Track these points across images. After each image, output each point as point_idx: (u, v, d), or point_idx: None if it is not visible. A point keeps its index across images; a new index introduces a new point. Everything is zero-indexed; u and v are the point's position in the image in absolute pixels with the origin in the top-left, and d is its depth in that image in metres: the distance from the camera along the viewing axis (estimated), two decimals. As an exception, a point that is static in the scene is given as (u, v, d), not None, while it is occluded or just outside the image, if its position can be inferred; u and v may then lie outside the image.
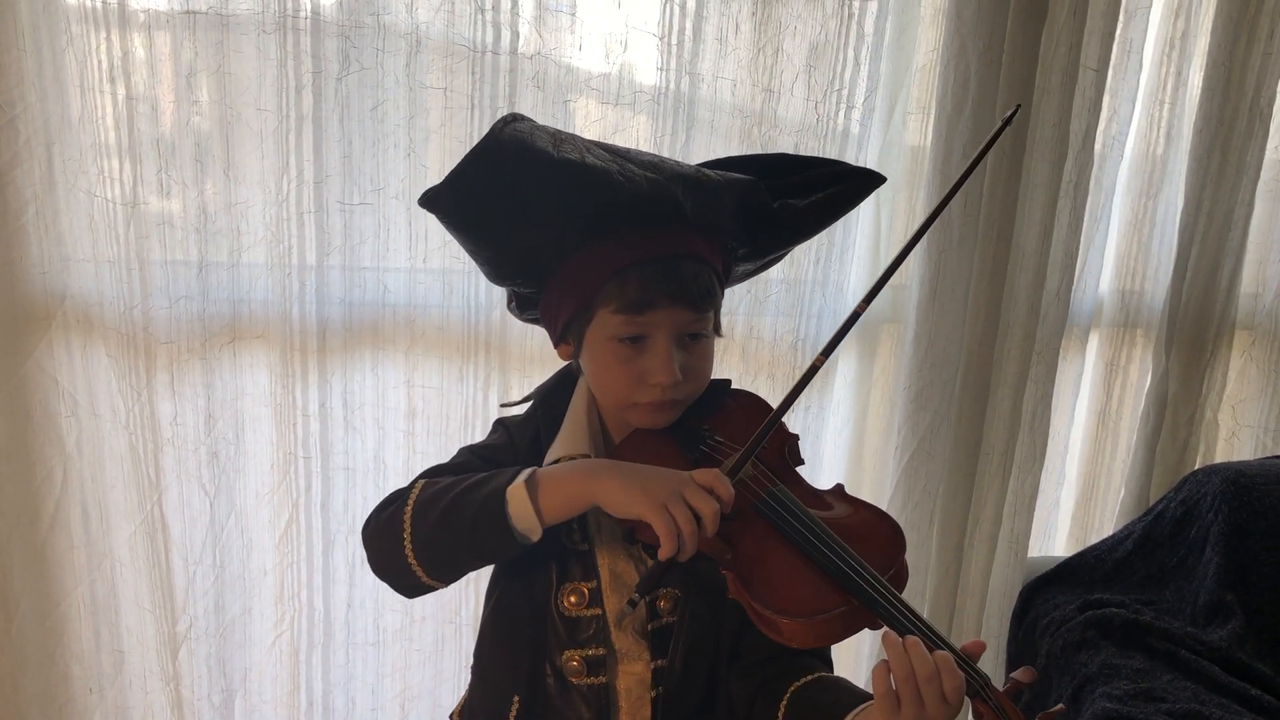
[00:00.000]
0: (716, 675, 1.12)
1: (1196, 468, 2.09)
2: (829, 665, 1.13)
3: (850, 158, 1.82)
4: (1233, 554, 1.81)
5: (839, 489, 1.10)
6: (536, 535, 0.99)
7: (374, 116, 1.62)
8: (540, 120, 1.04)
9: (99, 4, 1.49)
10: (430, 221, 1.65)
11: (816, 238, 1.58)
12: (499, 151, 0.96)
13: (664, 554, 0.92)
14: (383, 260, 1.68)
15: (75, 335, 1.61)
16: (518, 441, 1.14)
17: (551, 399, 1.16)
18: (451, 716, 1.25)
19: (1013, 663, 1.99)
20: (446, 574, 1.04)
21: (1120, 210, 2.11)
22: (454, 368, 1.76)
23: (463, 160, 0.97)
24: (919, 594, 2.01)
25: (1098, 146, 1.94)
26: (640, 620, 1.10)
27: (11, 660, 1.67)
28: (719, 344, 1.15)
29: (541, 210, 1.01)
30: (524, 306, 1.17)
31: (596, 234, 1.03)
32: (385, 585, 1.79)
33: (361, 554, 1.75)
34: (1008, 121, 1.15)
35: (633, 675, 1.11)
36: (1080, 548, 2.08)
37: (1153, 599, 1.87)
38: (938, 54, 1.83)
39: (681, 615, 1.10)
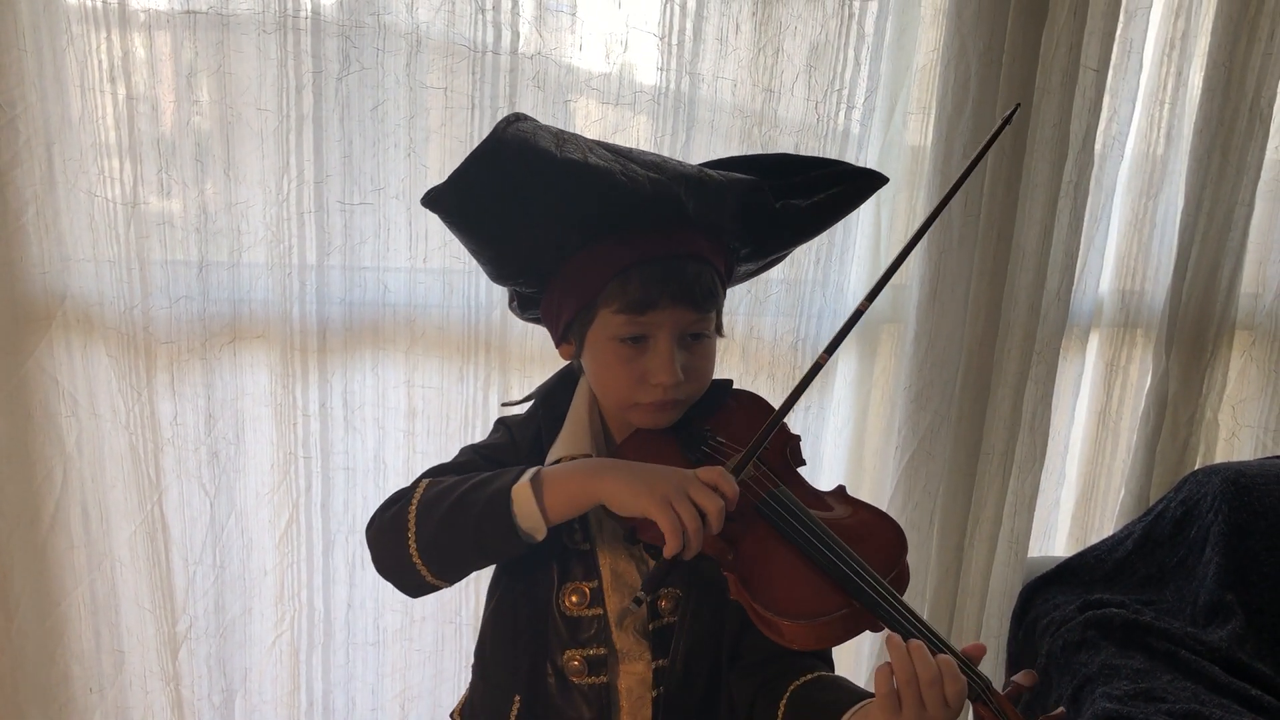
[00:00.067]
0: (717, 675, 1.12)
1: (1196, 468, 2.09)
2: (830, 666, 1.12)
3: (850, 158, 1.82)
4: (1233, 554, 1.81)
5: (840, 490, 1.10)
6: (541, 534, 0.99)
7: (374, 116, 1.62)
8: (541, 120, 1.04)
9: (99, 4, 1.49)
10: (430, 221, 1.65)
11: (817, 238, 1.58)
12: (502, 151, 0.96)
13: (669, 551, 0.92)
14: (383, 260, 1.68)
15: (75, 335, 1.61)
16: (519, 441, 1.14)
17: (553, 399, 1.16)
18: (452, 715, 1.25)
19: (1013, 662, 1.99)
20: (451, 573, 1.04)
21: (1120, 210, 2.11)
22: (454, 367, 1.76)
23: (466, 160, 0.97)
24: (919, 594, 2.01)
25: (1098, 147, 1.94)
26: (641, 620, 1.10)
27: (11, 660, 1.67)
28: (719, 344, 1.15)
29: (544, 210, 1.01)
30: (526, 306, 1.17)
31: (599, 234, 1.03)
32: (385, 585, 1.79)
33: (361, 554, 1.78)
34: (1007, 120, 1.15)
35: (634, 675, 1.11)
36: (1080, 548, 2.08)
37: (1153, 599, 1.87)
38: (938, 54, 1.83)
39: (683, 615, 1.10)
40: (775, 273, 1.80)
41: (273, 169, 1.60)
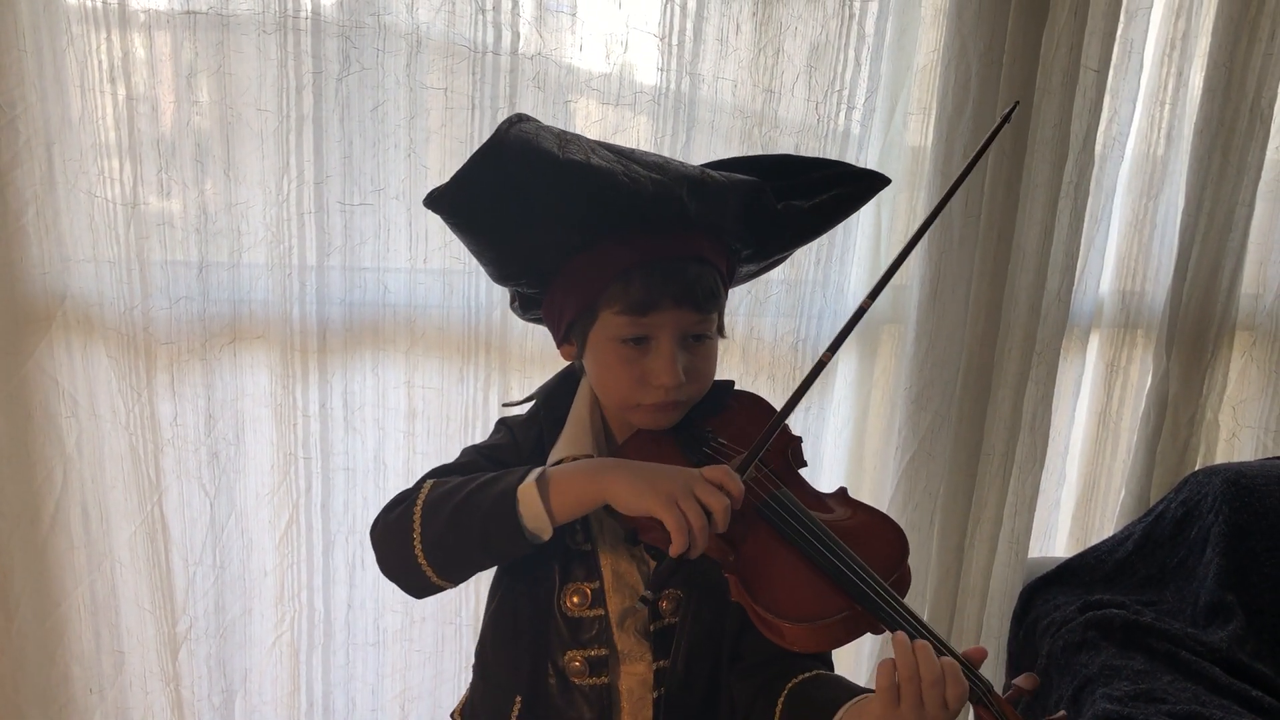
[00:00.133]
0: (718, 676, 1.12)
1: (1197, 468, 2.09)
2: (830, 669, 1.12)
3: (851, 158, 1.82)
4: (1233, 555, 1.81)
5: (842, 492, 1.10)
6: (547, 534, 0.99)
7: (374, 117, 1.61)
8: (541, 121, 1.04)
9: (99, 4, 1.49)
10: (430, 222, 1.65)
11: (817, 239, 1.58)
12: (504, 152, 0.96)
13: (675, 550, 0.92)
14: (383, 261, 1.68)
15: (75, 336, 1.60)
16: (521, 441, 1.14)
17: (554, 399, 1.16)
18: (453, 716, 1.25)
19: (1013, 663, 1.99)
20: (456, 574, 1.04)
21: (1121, 211, 2.11)
22: (454, 368, 1.75)
23: (468, 161, 0.97)
24: (919, 595, 2.01)
25: (1098, 147, 1.94)
26: (643, 621, 1.10)
27: (12, 660, 1.67)
28: (720, 345, 1.15)
29: (546, 211, 1.01)
30: (527, 306, 1.17)
31: (601, 234, 1.03)
32: (385, 586, 1.80)
33: (361, 554, 1.78)
34: (1006, 118, 1.15)
35: (635, 676, 1.11)
36: (1081, 548, 2.08)
37: (1153, 600, 1.87)
38: (938, 54, 1.83)
39: (684, 616, 1.10)
40: (775, 273, 1.79)
41: (273, 169, 1.60)
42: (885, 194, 1.22)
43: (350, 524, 1.77)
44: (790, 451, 1.12)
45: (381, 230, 1.66)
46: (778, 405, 1.15)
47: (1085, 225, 1.97)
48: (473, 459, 1.13)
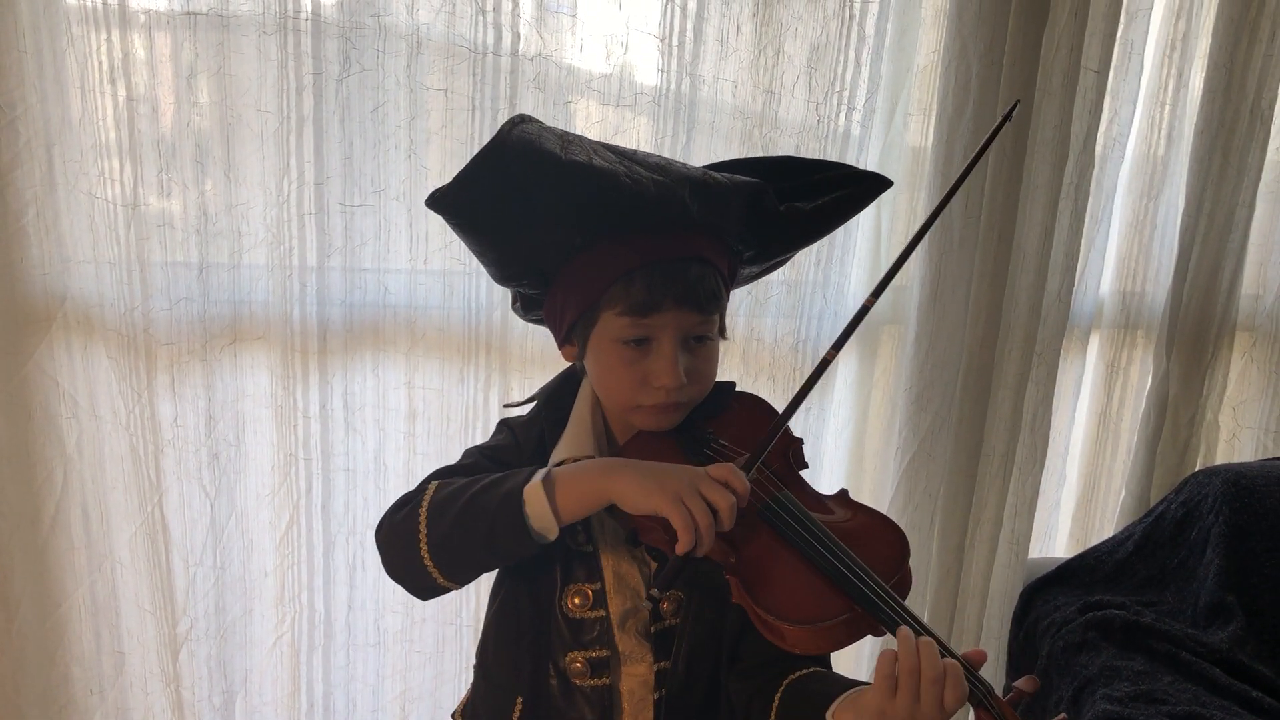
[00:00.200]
0: (719, 678, 1.12)
1: (1197, 469, 2.09)
2: (828, 669, 1.12)
3: (851, 159, 1.82)
4: (1233, 555, 1.81)
5: (843, 494, 1.10)
6: (554, 534, 0.99)
7: (375, 118, 1.61)
8: (542, 122, 1.04)
9: (99, 5, 1.49)
10: (431, 223, 1.65)
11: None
12: (506, 153, 0.96)
13: (682, 547, 0.92)
14: (383, 261, 1.68)
15: (76, 337, 1.60)
16: (523, 442, 1.14)
17: (555, 400, 1.16)
18: (453, 716, 1.25)
19: (1013, 664, 1.99)
20: (462, 575, 1.04)
21: (1121, 212, 2.11)
22: (454, 369, 1.75)
23: (470, 161, 0.97)
24: (919, 596, 2.01)
25: (1099, 148, 1.94)
26: (644, 622, 1.10)
27: (12, 661, 1.67)
28: (720, 346, 1.15)
29: (548, 212, 1.01)
30: (529, 307, 1.17)
31: (602, 235, 1.03)
32: (385, 586, 1.81)
33: (362, 555, 1.78)
34: (1007, 117, 1.15)
35: (636, 677, 1.11)
36: (1081, 549, 2.09)
37: (1153, 600, 1.87)
38: (939, 55, 1.83)
39: (685, 618, 1.10)
40: (776, 274, 1.78)
41: (273, 170, 1.60)
42: (886, 195, 1.22)
43: (351, 525, 1.77)
44: (791, 453, 1.12)
45: (382, 231, 1.66)
46: (778, 406, 1.15)
47: (1085, 226, 1.97)
48: (476, 460, 1.13)
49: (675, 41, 1.69)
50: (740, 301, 1.84)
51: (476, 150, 0.98)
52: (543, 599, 1.10)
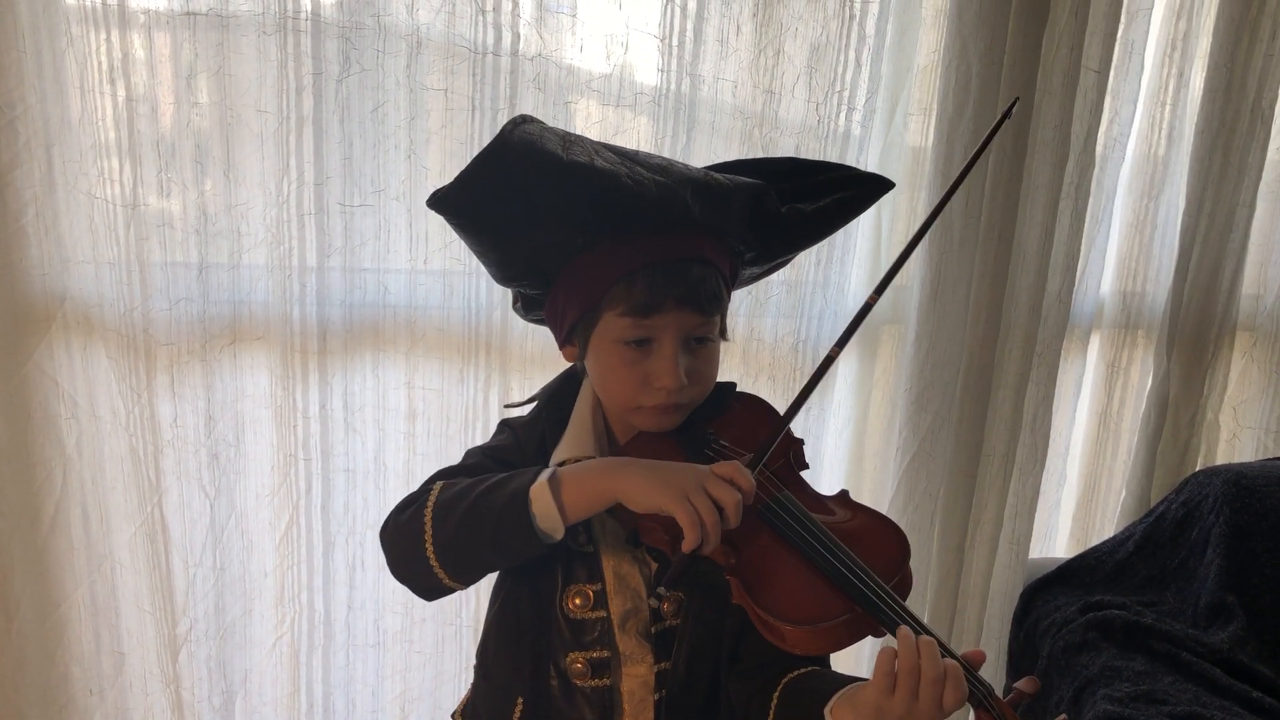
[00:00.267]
0: (719, 678, 1.12)
1: (1197, 469, 2.09)
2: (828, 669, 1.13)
3: (851, 159, 1.82)
4: (1234, 555, 1.81)
5: (844, 495, 1.10)
6: (560, 534, 0.99)
7: (374, 118, 1.61)
8: (542, 122, 1.04)
9: (99, 5, 1.48)
10: (431, 223, 1.65)
11: (818, 240, 1.58)
12: (508, 153, 0.96)
13: (688, 546, 0.92)
14: (383, 262, 1.68)
15: (75, 337, 1.60)
16: (524, 443, 1.14)
17: (556, 400, 1.16)
18: (453, 716, 1.25)
19: (1013, 664, 1.99)
20: (467, 574, 1.04)
21: (1121, 212, 2.11)
22: (454, 369, 1.75)
23: (472, 162, 0.97)
24: (919, 596, 2.01)
25: (1099, 148, 1.94)
26: (644, 623, 1.10)
27: (11, 661, 1.67)
28: (721, 347, 1.15)
29: (549, 212, 1.01)
30: (530, 307, 1.17)
31: (604, 236, 1.03)
32: (385, 587, 1.81)
33: (361, 556, 1.78)
34: (1007, 114, 1.15)
35: (636, 678, 1.11)
36: (1081, 549, 2.09)
37: (1154, 601, 1.87)
38: (939, 55, 1.83)
39: (685, 618, 1.10)
40: (776, 274, 1.79)
41: (273, 170, 1.60)
42: (886, 195, 1.23)
43: (350, 525, 1.77)
44: (792, 454, 1.12)
45: (382, 231, 1.66)
46: (779, 407, 1.15)
47: (1086, 226, 1.97)
48: (479, 460, 1.13)
49: (675, 41, 1.69)
50: (740, 302, 1.84)
51: (477, 150, 0.98)
52: (543, 599, 1.10)
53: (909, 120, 1.87)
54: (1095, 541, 2.12)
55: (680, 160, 1.07)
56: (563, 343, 1.13)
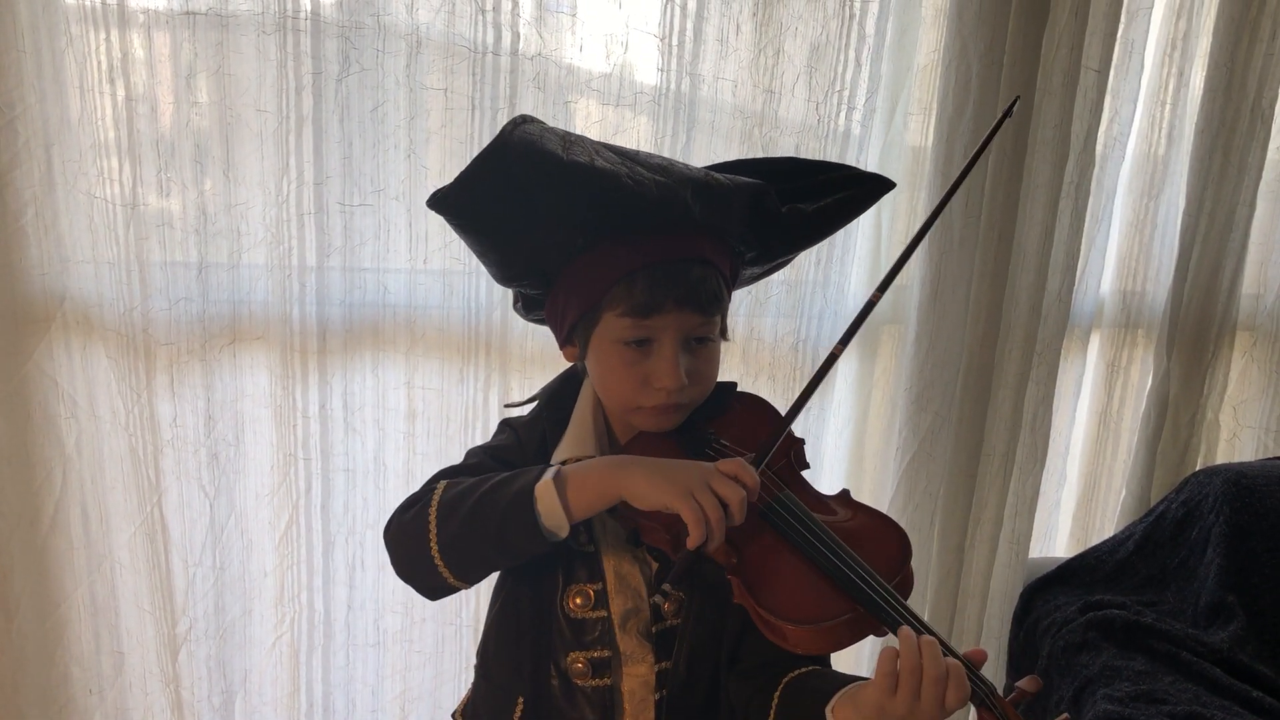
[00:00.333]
0: (720, 678, 1.12)
1: (1198, 469, 2.09)
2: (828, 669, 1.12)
3: (851, 159, 1.82)
4: (1234, 555, 1.81)
5: (845, 494, 1.10)
6: (564, 532, 0.99)
7: (374, 117, 1.61)
8: (544, 122, 1.04)
9: (98, 4, 1.48)
10: (430, 223, 1.65)
11: (818, 239, 1.58)
12: (508, 153, 0.96)
13: (693, 541, 0.92)
14: (383, 261, 1.68)
15: (75, 337, 1.60)
16: (525, 442, 1.14)
17: (557, 400, 1.16)
18: (454, 716, 1.25)
19: (1014, 663, 1.99)
20: (472, 574, 1.04)
21: (1121, 211, 2.11)
22: (454, 369, 1.75)
23: (472, 162, 0.97)
24: (919, 595, 2.01)
25: (1099, 147, 1.94)
26: (645, 623, 1.10)
27: (11, 661, 1.67)
28: (721, 347, 1.15)
29: (550, 212, 1.01)
30: (530, 307, 1.17)
31: (604, 236, 1.03)
32: (385, 586, 1.81)
33: (361, 555, 1.78)
34: (1008, 113, 1.16)
35: (637, 677, 1.11)
36: (1081, 549, 2.08)
37: (1154, 600, 1.86)
38: (939, 55, 1.83)
39: (686, 618, 1.10)
40: (776, 274, 1.79)
41: (272, 170, 1.60)
42: (886, 195, 1.23)
43: (350, 525, 1.77)
44: (793, 453, 1.12)
45: (381, 231, 1.66)
46: (779, 407, 1.15)
47: (1086, 225, 1.97)
48: (481, 460, 1.13)
49: (675, 41, 1.69)
50: (740, 301, 1.83)
51: (476, 150, 0.98)
52: (544, 599, 1.10)
53: (909, 120, 1.87)
54: (1095, 541, 2.12)
55: (680, 160, 1.07)
56: (563, 343, 1.13)
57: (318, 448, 1.72)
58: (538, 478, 0.98)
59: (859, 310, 1.06)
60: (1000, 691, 0.93)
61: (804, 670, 1.07)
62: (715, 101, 1.74)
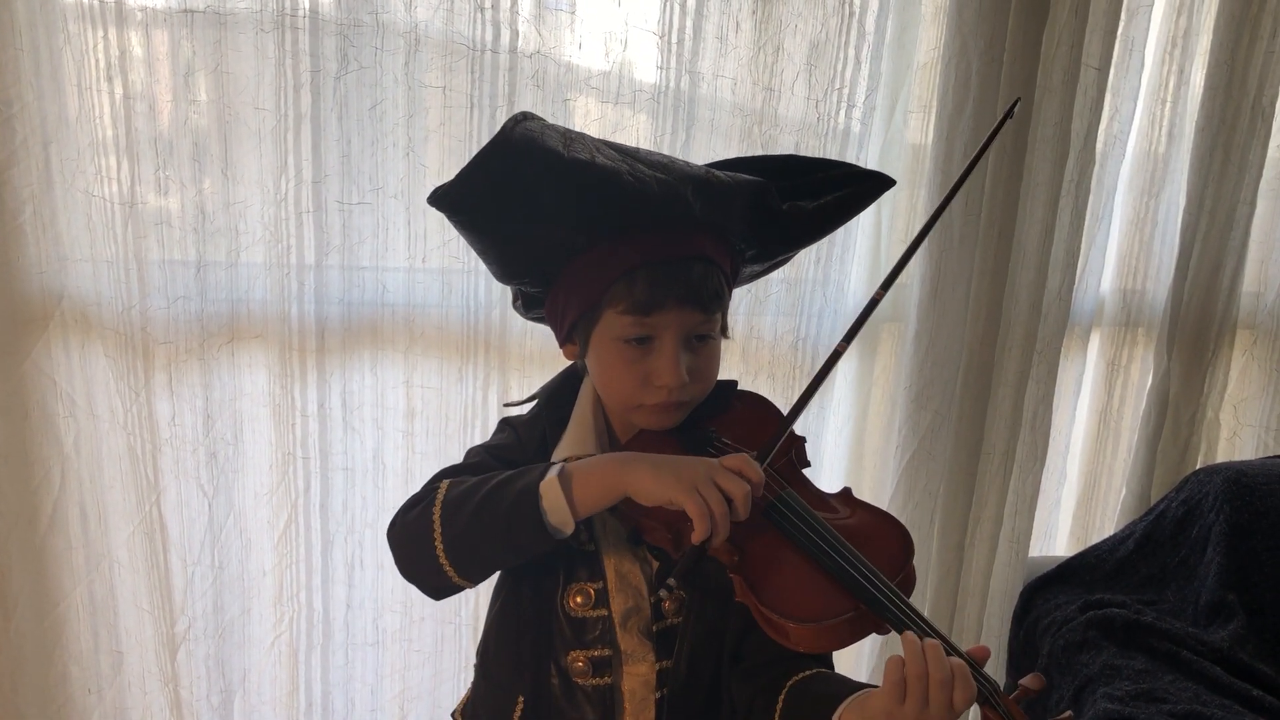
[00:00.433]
0: (721, 677, 1.12)
1: (1198, 467, 2.09)
2: (830, 669, 1.12)
3: (851, 156, 1.82)
4: (1234, 554, 1.81)
5: (846, 492, 1.10)
6: (570, 529, 0.98)
7: (373, 115, 1.61)
8: (545, 119, 1.03)
9: (96, 2, 1.48)
10: (429, 221, 1.65)
11: (818, 238, 1.58)
12: (509, 150, 0.96)
13: (698, 537, 0.92)
14: (381, 260, 1.68)
15: (73, 335, 1.60)
16: (525, 441, 1.14)
17: (557, 399, 1.16)
18: (453, 715, 1.24)
19: (1014, 662, 1.99)
20: (476, 573, 1.04)
21: (1122, 209, 2.11)
22: (453, 367, 1.75)
23: (473, 158, 0.97)
24: (919, 594, 2.01)
25: (1099, 145, 1.94)
26: (646, 621, 1.10)
27: (10, 661, 1.66)
28: (722, 345, 1.15)
29: (550, 209, 1.01)
30: (530, 305, 1.16)
31: (605, 234, 1.03)
32: (384, 585, 1.80)
33: (360, 554, 1.77)
34: (1008, 114, 1.15)
35: (638, 676, 1.11)
36: (1081, 548, 2.08)
37: (1154, 599, 1.86)
38: (939, 52, 1.83)
39: (687, 617, 1.09)
40: (776, 272, 1.79)
41: (271, 168, 1.59)
42: (886, 193, 1.23)
43: (349, 524, 1.77)
44: (794, 452, 1.12)
45: (380, 229, 1.66)
46: (779, 405, 1.15)
47: (1086, 223, 1.96)
48: (482, 459, 1.12)
49: (674, 39, 1.69)
50: (740, 300, 1.83)
51: (475, 148, 0.98)
52: (545, 598, 1.10)
53: (909, 117, 1.87)
54: (1095, 540, 2.12)
55: (680, 158, 1.07)
56: (563, 341, 1.13)
57: (316, 446, 1.72)
58: (542, 475, 0.98)
59: (862, 308, 1.05)
60: (1003, 690, 0.93)
61: (809, 673, 1.06)
62: (715, 99, 1.74)
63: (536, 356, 1.76)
